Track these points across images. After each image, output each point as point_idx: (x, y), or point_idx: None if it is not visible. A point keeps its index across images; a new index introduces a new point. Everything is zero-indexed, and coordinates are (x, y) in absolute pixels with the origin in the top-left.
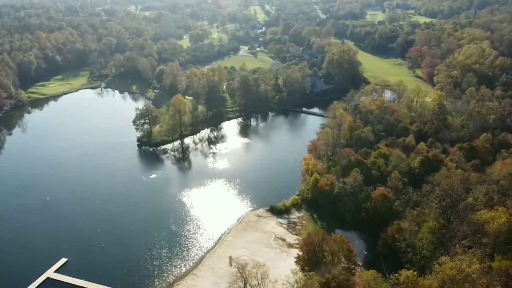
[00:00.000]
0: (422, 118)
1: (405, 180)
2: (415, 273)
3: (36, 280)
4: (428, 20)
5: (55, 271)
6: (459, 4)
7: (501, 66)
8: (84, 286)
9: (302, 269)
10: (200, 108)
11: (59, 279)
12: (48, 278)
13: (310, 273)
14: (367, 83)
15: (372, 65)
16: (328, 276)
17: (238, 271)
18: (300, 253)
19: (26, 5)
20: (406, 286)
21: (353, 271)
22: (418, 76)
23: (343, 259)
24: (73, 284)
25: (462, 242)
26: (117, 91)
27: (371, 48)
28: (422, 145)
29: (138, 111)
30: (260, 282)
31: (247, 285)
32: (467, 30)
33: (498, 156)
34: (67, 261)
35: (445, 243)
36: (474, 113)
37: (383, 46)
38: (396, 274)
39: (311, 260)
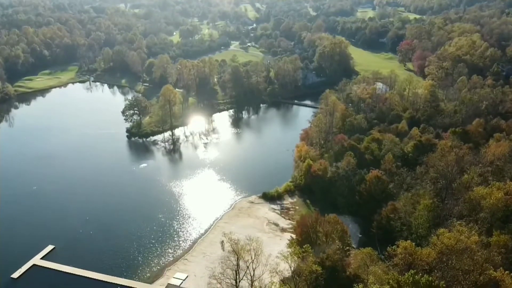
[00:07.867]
0: (414, 106)
1: (398, 164)
2: (413, 244)
3: (22, 267)
4: (418, 16)
5: (42, 258)
6: (448, 1)
7: (491, 57)
8: (71, 272)
9: None
10: (191, 100)
11: (45, 265)
12: (34, 264)
13: (305, 245)
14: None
15: (363, 59)
16: (323, 255)
17: (230, 245)
18: (294, 236)
19: (14, 2)
20: (404, 257)
21: (347, 252)
22: (409, 70)
23: (337, 240)
24: (60, 271)
25: (458, 222)
26: (106, 85)
27: (362, 43)
28: (415, 130)
29: (127, 102)
30: (253, 257)
31: (240, 261)
32: (457, 24)
33: (491, 140)
34: (54, 248)
35: (440, 222)
36: (466, 100)
37: (374, 41)
38: (394, 246)
39: (305, 241)
